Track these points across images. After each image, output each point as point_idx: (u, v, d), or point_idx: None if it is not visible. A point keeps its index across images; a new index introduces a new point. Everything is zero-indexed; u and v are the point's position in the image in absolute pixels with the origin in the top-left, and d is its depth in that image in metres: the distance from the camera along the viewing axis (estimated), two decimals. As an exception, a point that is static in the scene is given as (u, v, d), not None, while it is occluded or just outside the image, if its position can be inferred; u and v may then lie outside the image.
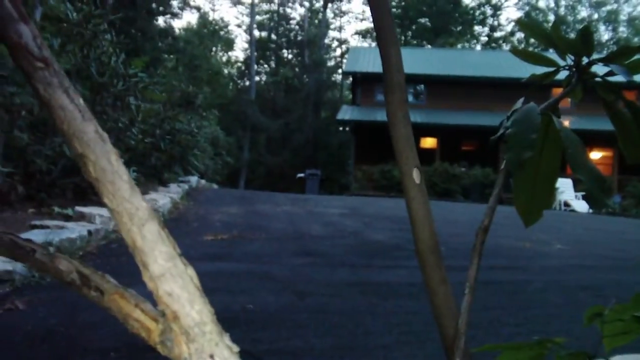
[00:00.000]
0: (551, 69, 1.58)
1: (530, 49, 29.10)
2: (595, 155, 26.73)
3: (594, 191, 1.37)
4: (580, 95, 1.62)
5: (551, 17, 51.96)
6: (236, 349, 0.37)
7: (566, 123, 1.46)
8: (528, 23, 1.64)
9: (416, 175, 1.23)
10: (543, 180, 1.50)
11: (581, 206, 20.62)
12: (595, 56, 1.48)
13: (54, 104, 0.38)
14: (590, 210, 19.83)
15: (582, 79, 1.50)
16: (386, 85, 1.26)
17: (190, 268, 0.38)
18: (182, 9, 38.32)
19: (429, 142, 27.70)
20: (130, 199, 0.38)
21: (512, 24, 54.80)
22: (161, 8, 30.05)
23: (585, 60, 1.48)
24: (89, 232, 6.11)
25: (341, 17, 58.76)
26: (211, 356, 0.37)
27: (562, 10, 54.46)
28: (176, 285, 0.37)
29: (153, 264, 0.37)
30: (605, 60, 1.45)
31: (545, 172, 1.49)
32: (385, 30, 1.28)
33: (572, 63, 1.51)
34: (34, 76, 0.39)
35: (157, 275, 0.37)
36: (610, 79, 1.47)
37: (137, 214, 0.38)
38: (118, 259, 5.40)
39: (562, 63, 1.53)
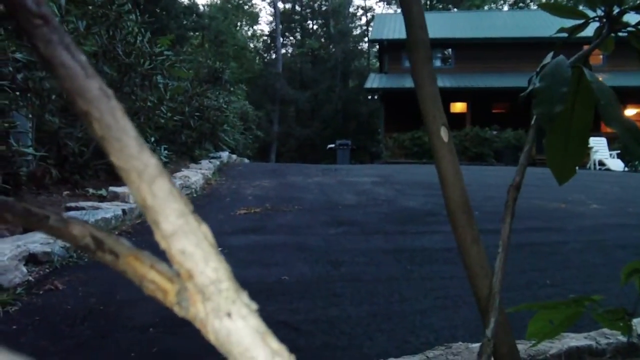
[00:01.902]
0: (581, 21, 1.53)
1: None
2: (631, 112, 26.25)
3: (629, 143, 1.34)
4: (612, 47, 1.57)
5: (580, -27, 50.65)
6: (254, 306, 0.36)
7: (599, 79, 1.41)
8: (555, -25, 1.59)
9: (444, 134, 1.20)
10: (576, 136, 1.46)
11: (616, 164, 20.28)
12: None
13: (55, 62, 0.37)
14: (626, 169, 19.54)
15: (613, 29, 1.46)
16: (409, 44, 1.23)
17: (204, 225, 0.37)
18: (205, -15, 38.25)
19: (459, 107, 27.43)
20: (139, 156, 0.36)
21: (540, -18, 53.65)
22: (184, -15, 30.02)
23: (616, 9, 1.44)
24: (124, 212, 6.17)
25: (365, -16, 58.19)
26: (228, 314, 0.35)
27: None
28: (189, 242, 0.36)
29: (164, 222, 0.36)
30: (638, 8, 1.41)
31: (578, 127, 1.45)
32: (407, -13, 1.25)
33: (602, 14, 1.46)
34: (34, 34, 0.37)
35: (170, 234, 0.36)
36: (643, 28, 1.43)
37: (146, 170, 0.36)
38: (153, 236, 5.44)
39: (592, 15, 1.49)
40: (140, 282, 0.38)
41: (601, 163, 20.66)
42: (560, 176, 1.49)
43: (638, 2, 1.41)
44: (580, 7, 1.46)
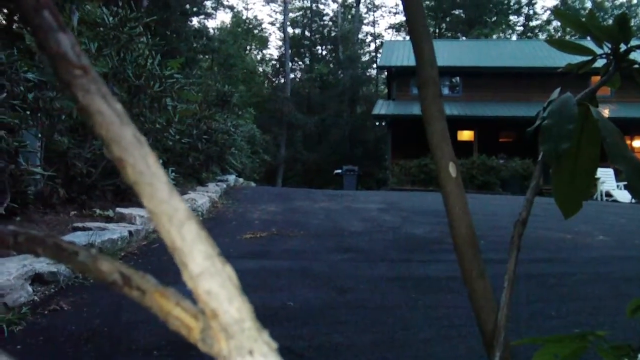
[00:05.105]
0: (588, 58, 1.55)
1: (568, 37, 28.62)
2: (638, 143, 26.22)
3: (633, 181, 1.35)
4: (619, 83, 1.59)
5: (589, 4, 50.82)
6: (274, 345, 0.38)
7: (606, 112, 1.43)
8: (563, 12, 1.61)
9: (452, 169, 1.22)
10: (582, 172, 1.48)
11: (623, 196, 20.19)
12: (634, 42, 1.45)
13: (93, 110, 0.40)
14: (633, 200, 19.45)
15: (620, 66, 1.48)
16: (419, 80, 1.26)
17: (228, 266, 0.39)
18: (215, 8, 38.65)
19: (466, 135, 27.47)
20: (169, 201, 0.39)
21: (548, 12, 54.00)
22: (195, 9, 30.30)
23: (623, 47, 1.46)
24: (130, 233, 6.20)
25: (374, 11, 58.82)
26: (250, 352, 0.37)
27: (599, -3, 53.35)
28: (215, 283, 0.38)
29: (192, 263, 0.38)
30: (644, 47, 1.43)
31: (584, 163, 1.47)
32: (417, 24, 1.27)
33: (609, 51, 1.48)
34: (73, 84, 0.40)
35: (197, 275, 0.38)
36: (650, 65, 1.44)
37: (176, 215, 0.39)
38: (159, 258, 5.47)
39: (599, 51, 1.51)
40: (165, 317, 0.40)
41: (608, 194, 20.59)
42: (566, 210, 1.50)
43: (645, 41, 1.43)
44: (588, 39, 1.48)
